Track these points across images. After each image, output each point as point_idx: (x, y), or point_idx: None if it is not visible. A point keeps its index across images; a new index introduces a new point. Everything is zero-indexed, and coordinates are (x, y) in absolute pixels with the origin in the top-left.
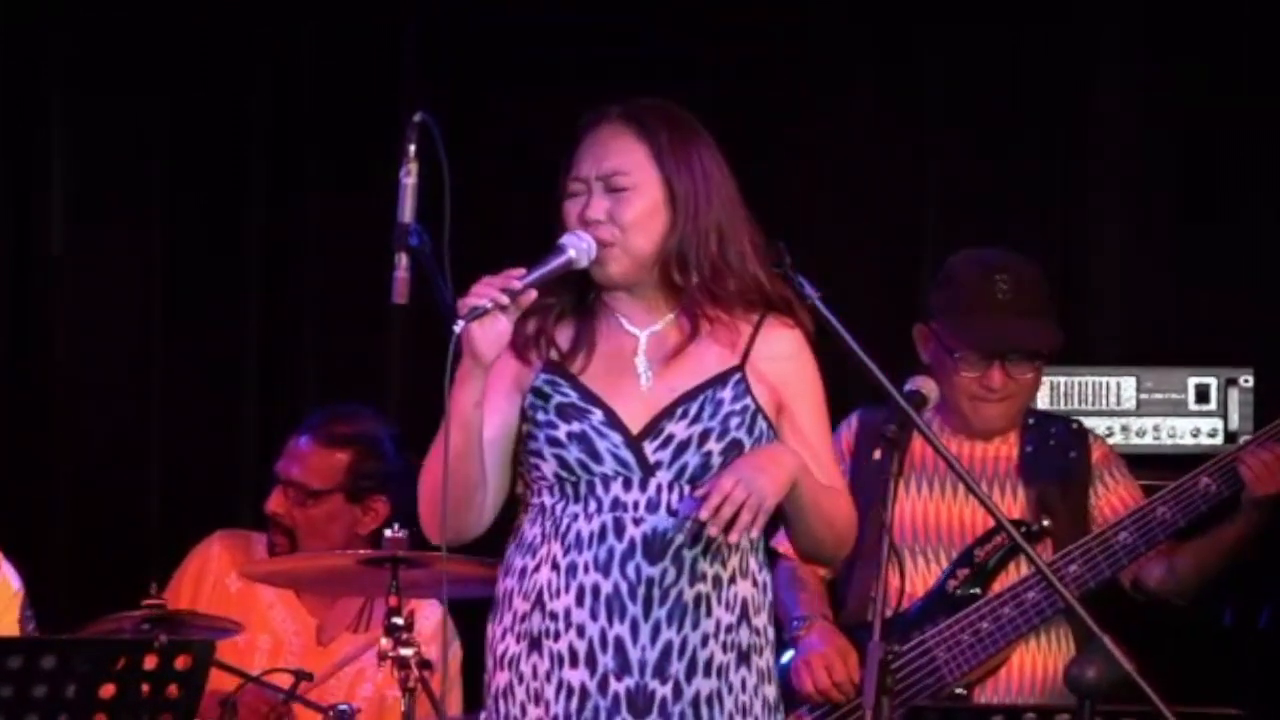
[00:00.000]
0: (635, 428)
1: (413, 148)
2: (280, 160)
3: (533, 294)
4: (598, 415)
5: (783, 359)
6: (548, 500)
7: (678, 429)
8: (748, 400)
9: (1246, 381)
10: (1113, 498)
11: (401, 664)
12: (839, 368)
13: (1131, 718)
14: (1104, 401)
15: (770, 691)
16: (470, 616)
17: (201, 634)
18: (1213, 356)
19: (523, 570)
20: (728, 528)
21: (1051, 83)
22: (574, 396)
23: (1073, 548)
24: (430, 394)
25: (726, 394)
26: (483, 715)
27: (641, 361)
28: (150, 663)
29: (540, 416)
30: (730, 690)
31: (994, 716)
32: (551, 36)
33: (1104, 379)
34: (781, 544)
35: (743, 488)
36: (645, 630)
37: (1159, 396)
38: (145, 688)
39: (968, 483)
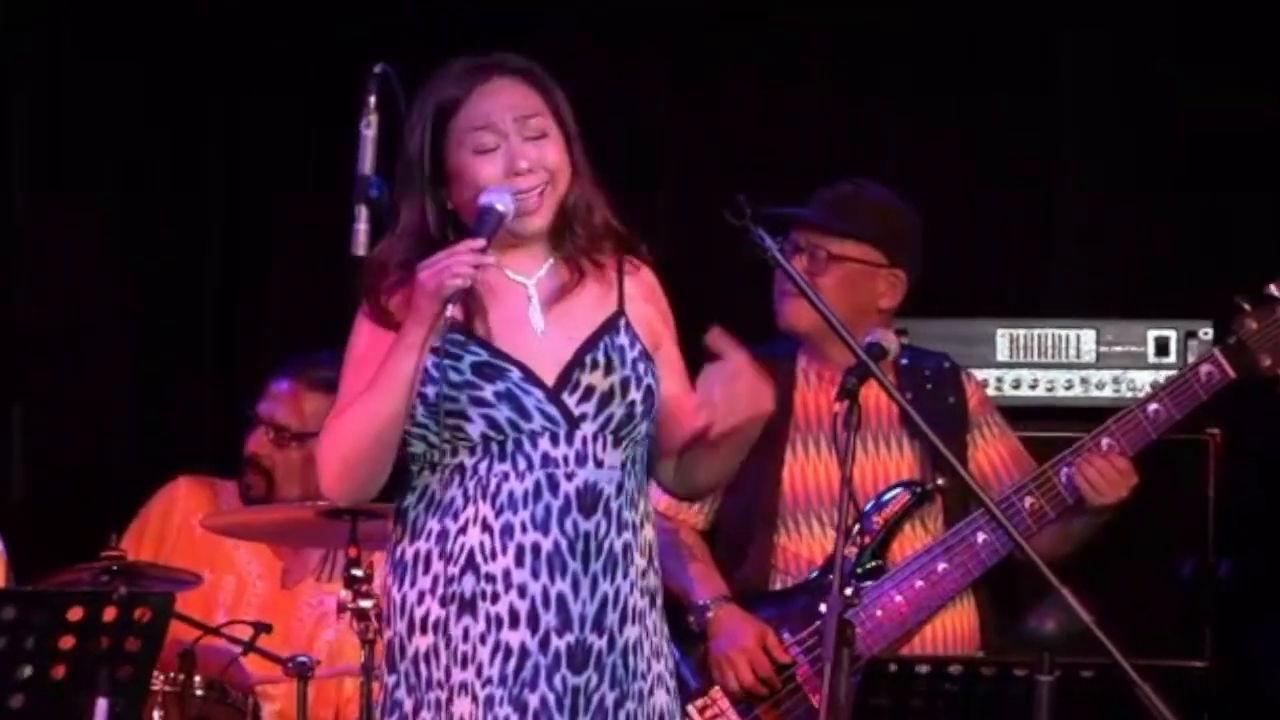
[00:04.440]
0: (549, 381)
1: (373, 99)
2: (237, 117)
3: (492, 261)
4: (515, 373)
5: (648, 300)
6: (467, 460)
7: (595, 380)
8: (640, 345)
9: (1206, 334)
10: (991, 450)
11: (360, 615)
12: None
13: (1091, 670)
14: (1063, 354)
15: (665, 630)
16: None
17: (161, 586)
18: (1172, 309)
19: (441, 533)
20: None
21: (1018, 34)
22: (485, 355)
23: (977, 515)
24: None
25: (624, 340)
26: (390, 679)
27: (535, 311)
28: (109, 615)
29: (454, 377)
30: (647, 634)
31: (950, 667)
32: (548, 32)
33: (1063, 331)
34: (661, 500)
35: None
36: (585, 585)
37: (1119, 349)
38: (104, 640)
39: (927, 432)
